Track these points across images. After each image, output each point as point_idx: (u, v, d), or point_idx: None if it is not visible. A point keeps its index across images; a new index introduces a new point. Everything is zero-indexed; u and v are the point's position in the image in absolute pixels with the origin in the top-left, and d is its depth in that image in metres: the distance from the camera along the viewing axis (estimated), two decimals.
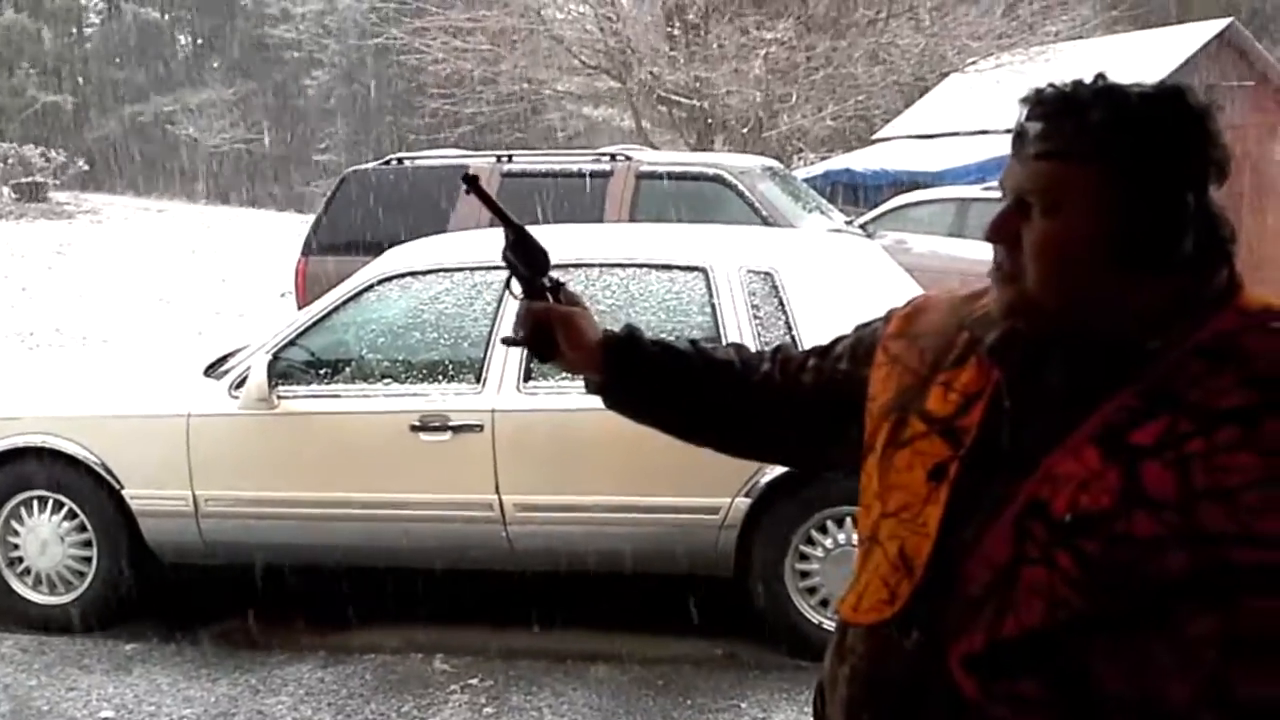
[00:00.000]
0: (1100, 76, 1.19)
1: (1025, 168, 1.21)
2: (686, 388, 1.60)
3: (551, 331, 1.59)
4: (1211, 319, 1.17)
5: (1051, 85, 1.21)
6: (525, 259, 1.62)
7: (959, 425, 1.27)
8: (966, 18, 18.88)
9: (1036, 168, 1.20)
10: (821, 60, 17.90)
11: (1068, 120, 1.18)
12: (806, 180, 13.94)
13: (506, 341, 1.65)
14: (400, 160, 8.67)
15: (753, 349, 1.66)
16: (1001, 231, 1.23)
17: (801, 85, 17.97)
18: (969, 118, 19.58)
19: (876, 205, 13.24)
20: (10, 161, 26.58)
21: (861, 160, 20.03)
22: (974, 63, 19.45)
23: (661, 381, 1.60)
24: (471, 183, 1.64)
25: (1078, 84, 1.19)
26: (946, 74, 20.65)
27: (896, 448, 1.32)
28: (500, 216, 1.62)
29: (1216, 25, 22.56)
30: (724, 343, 1.67)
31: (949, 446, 1.26)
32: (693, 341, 1.64)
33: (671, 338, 1.66)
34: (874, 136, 23.60)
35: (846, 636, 1.35)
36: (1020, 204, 1.21)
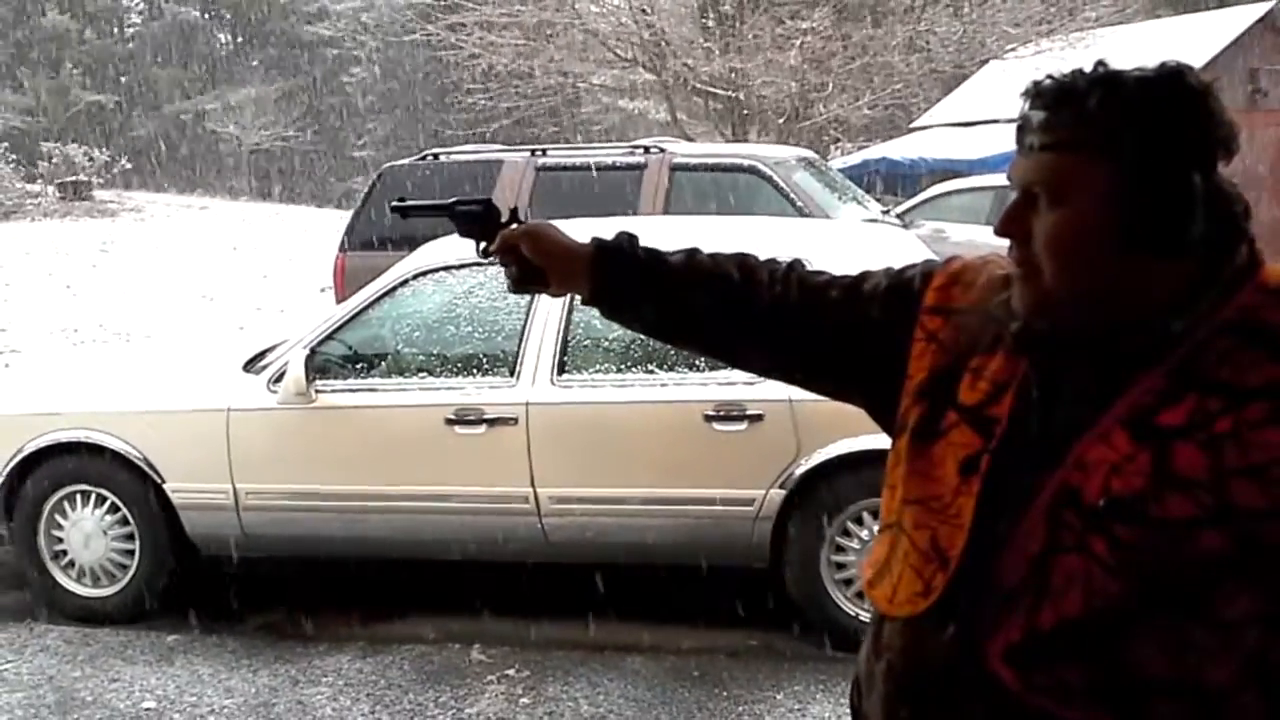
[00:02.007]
0: (1100, 64, 1.19)
1: (1029, 160, 1.21)
2: (679, 298, 1.54)
3: (520, 251, 1.59)
4: (1234, 297, 1.17)
5: (1050, 76, 1.20)
6: (474, 225, 1.66)
7: (989, 414, 1.27)
8: (1005, 4, 18.70)
9: (1040, 160, 1.20)
10: (858, 49, 17.80)
11: (1066, 110, 1.18)
12: (844, 170, 13.87)
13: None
14: (436, 156, 8.71)
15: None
16: (1011, 226, 1.23)
17: (838, 74, 17.87)
18: (1008, 105, 19.25)
19: (914, 194, 13.17)
20: (55, 161, 26.94)
21: (899, 149, 19.93)
22: (1013, 49, 19.27)
23: (652, 290, 1.54)
24: (397, 210, 1.77)
25: (1076, 73, 1.19)
26: (985, 61, 20.47)
27: (931, 438, 1.32)
28: (433, 212, 1.72)
29: (1260, 8, 22.22)
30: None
31: (979, 437, 1.26)
32: (694, 250, 1.58)
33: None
34: (912, 125, 23.46)
35: (882, 632, 1.36)
36: (1028, 197, 1.21)
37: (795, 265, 1.55)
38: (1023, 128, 1.22)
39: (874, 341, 1.43)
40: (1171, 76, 1.16)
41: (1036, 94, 1.20)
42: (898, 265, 1.49)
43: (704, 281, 1.53)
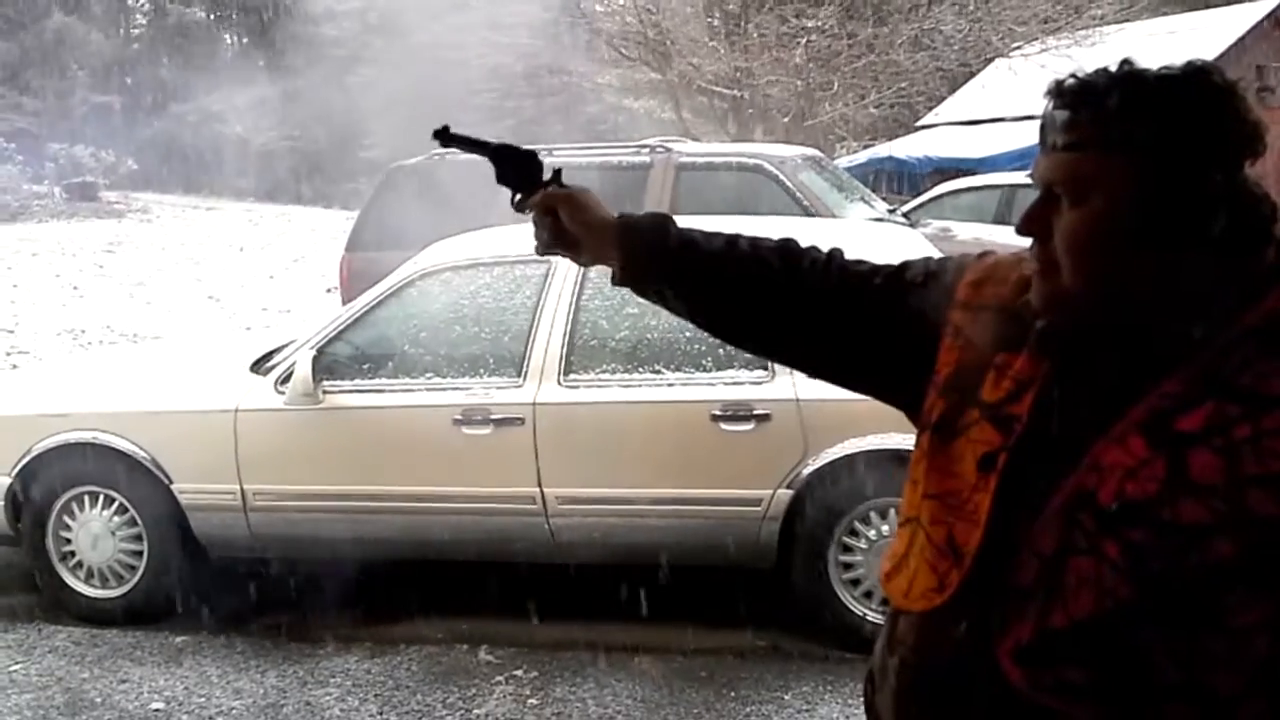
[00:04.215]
0: (1125, 62, 1.18)
1: (1051, 159, 1.21)
2: (710, 284, 1.53)
3: (557, 216, 1.58)
4: (1261, 301, 1.15)
5: (1073, 75, 1.20)
6: (516, 175, 1.64)
7: (1009, 412, 1.26)
8: (1011, 2, 18.66)
9: (1061, 159, 1.19)
10: (863, 47, 17.79)
11: (1087, 109, 1.17)
12: (849, 169, 13.87)
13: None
14: (443, 155, 8.69)
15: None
16: (1033, 225, 1.23)
17: (843, 73, 17.87)
18: (1014, 103, 19.35)
19: (920, 193, 13.15)
20: (61, 162, 27.04)
21: (905, 148, 19.89)
22: (1019, 47, 19.24)
23: (687, 272, 1.53)
24: (442, 135, 1.67)
25: (1099, 71, 1.19)
26: (991, 59, 20.43)
27: (953, 434, 1.31)
28: (477, 149, 1.66)
29: (1266, 5, 22.15)
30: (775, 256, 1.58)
31: (999, 434, 1.26)
32: (736, 236, 1.56)
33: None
34: (918, 123, 23.41)
35: (897, 627, 1.36)
36: (1049, 195, 1.21)
37: (835, 254, 1.54)
38: (1045, 126, 1.21)
39: (909, 332, 1.42)
40: (1194, 75, 1.16)
41: (1059, 93, 1.20)
42: (937, 257, 1.49)
43: (740, 269, 1.51)
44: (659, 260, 1.53)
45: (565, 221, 1.56)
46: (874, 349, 1.47)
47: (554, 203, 1.58)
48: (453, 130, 1.67)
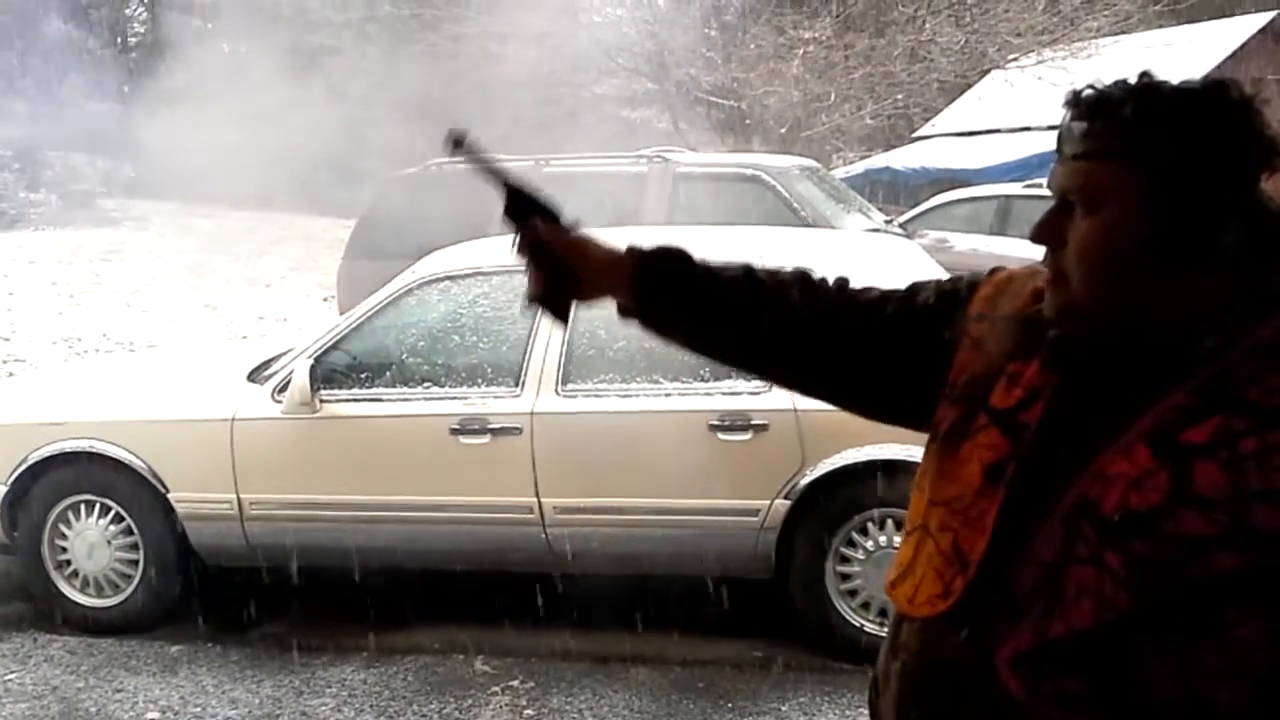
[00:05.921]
0: (1144, 74, 1.19)
1: (1066, 168, 1.21)
2: (735, 318, 1.52)
3: (554, 254, 1.50)
4: (1272, 316, 1.15)
5: (1090, 86, 1.21)
6: (520, 213, 1.52)
7: (1019, 420, 1.27)
8: (1007, 14, 18.66)
9: (1075, 168, 1.20)
10: (860, 58, 17.81)
11: (1102, 119, 1.18)
12: (846, 179, 13.88)
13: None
14: (439, 165, 8.70)
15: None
16: (1046, 233, 1.23)
17: (840, 84, 17.87)
18: (1010, 114, 19.41)
19: (917, 204, 13.17)
20: (58, 169, 27.00)
21: (901, 159, 19.89)
22: (1015, 59, 19.26)
23: (708, 300, 1.51)
24: (458, 144, 1.52)
25: (1116, 83, 1.19)
26: (987, 71, 20.45)
27: (961, 439, 1.32)
28: (491, 175, 1.52)
29: (1263, 18, 22.22)
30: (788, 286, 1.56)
31: (1008, 442, 1.26)
32: (750, 267, 1.54)
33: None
34: (914, 134, 23.44)
35: (900, 632, 1.36)
36: (1064, 205, 1.22)
37: (843, 282, 1.54)
38: (1061, 136, 1.22)
39: (924, 354, 1.42)
40: (1210, 88, 1.16)
41: (1075, 103, 1.21)
42: (946, 276, 1.50)
43: (761, 298, 1.51)
44: (678, 289, 1.51)
45: (563, 254, 1.51)
46: (891, 374, 1.47)
47: (550, 242, 1.51)
48: (468, 141, 1.51)
